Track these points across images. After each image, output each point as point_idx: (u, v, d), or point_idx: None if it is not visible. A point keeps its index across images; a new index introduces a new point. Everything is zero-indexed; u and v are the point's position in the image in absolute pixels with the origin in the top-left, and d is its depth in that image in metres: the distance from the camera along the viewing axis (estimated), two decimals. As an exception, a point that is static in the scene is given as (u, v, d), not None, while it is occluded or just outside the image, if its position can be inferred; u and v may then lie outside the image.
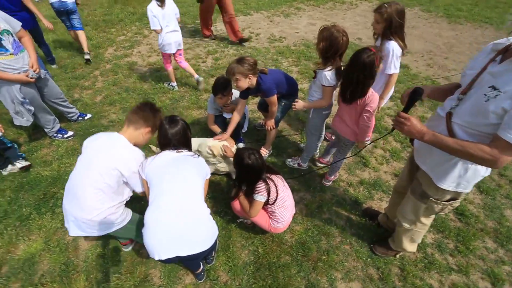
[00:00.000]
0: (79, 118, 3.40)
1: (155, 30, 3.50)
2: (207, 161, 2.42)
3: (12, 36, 2.41)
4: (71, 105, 3.28)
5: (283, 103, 2.63)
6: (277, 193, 1.90)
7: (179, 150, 1.67)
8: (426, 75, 4.61)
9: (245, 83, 2.29)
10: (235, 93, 2.80)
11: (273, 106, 2.48)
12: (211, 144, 2.51)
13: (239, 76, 2.23)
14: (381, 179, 2.82)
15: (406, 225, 1.84)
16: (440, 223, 2.41)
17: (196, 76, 3.98)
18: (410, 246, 1.97)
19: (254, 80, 2.33)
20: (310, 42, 5.58)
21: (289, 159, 2.92)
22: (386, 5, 2.15)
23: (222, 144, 2.50)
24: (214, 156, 2.51)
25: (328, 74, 2.06)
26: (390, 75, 2.37)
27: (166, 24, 3.49)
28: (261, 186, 1.89)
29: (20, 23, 2.55)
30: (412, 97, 1.37)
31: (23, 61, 2.48)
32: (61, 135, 3.13)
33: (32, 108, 2.68)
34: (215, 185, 2.68)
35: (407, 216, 1.80)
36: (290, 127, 3.48)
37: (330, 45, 1.95)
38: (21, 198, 2.50)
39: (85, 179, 1.58)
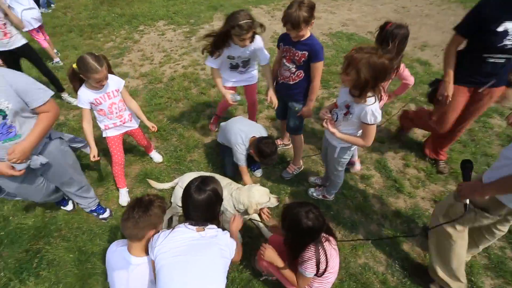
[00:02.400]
0: (93, 213, 2.39)
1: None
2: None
3: (5, 118, 1.58)
4: (87, 195, 2.28)
5: (296, 108, 2.21)
6: (325, 269, 1.44)
7: (200, 228, 1.33)
8: (450, 73, 4.14)
9: (307, 32, 1.90)
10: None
11: (318, 77, 2.03)
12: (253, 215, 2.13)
13: (303, 25, 1.78)
14: (419, 208, 2.42)
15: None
16: (499, 264, 2.03)
17: (55, 59, 4.36)
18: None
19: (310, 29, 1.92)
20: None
21: (312, 189, 2.50)
22: None
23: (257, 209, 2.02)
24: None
25: (374, 109, 1.55)
26: None
27: (21, 2, 3.70)
28: (309, 253, 1.42)
29: (47, 96, 1.68)
30: (466, 172, 1.49)
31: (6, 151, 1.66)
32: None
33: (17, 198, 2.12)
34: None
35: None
36: (308, 146, 3.04)
37: (376, 76, 1.44)
38: (-1, 259, 2.11)
39: None
